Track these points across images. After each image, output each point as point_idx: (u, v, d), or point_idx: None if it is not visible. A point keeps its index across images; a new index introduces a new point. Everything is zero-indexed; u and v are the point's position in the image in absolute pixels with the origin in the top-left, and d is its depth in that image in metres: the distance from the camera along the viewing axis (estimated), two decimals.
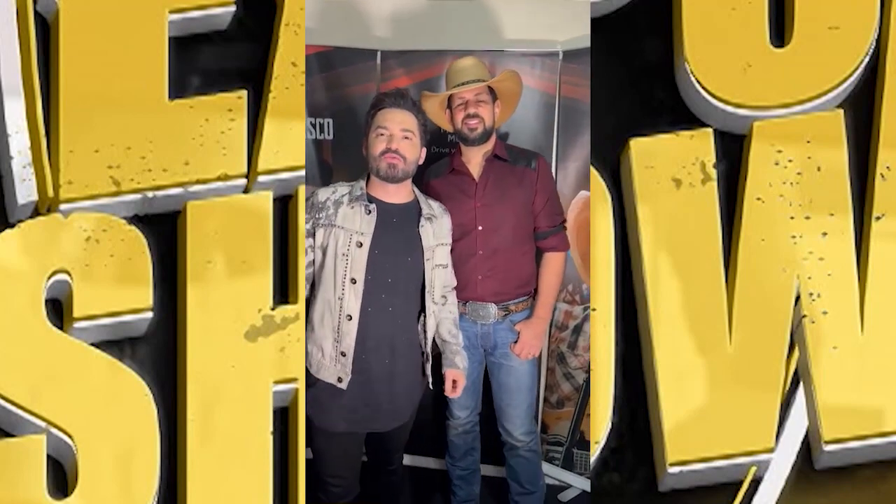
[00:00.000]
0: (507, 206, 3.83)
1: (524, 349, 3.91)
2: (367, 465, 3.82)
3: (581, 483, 4.97)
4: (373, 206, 3.30)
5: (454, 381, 3.58)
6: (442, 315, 3.61)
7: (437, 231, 3.50)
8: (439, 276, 3.52)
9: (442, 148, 4.67)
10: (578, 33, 4.39)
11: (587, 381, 4.81)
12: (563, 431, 4.98)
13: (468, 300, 3.89)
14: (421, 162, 3.45)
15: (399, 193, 3.41)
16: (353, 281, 3.22)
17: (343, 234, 3.24)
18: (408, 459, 5.03)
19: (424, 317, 3.52)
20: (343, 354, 3.24)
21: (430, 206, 3.56)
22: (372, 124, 3.35)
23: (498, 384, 4.09)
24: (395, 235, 3.35)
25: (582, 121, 4.45)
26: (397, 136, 3.28)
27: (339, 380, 3.27)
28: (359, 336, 3.26)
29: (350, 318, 3.23)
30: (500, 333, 3.94)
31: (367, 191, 3.38)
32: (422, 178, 4.03)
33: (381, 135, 3.29)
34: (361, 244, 3.24)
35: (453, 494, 4.48)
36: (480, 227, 3.81)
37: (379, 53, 4.74)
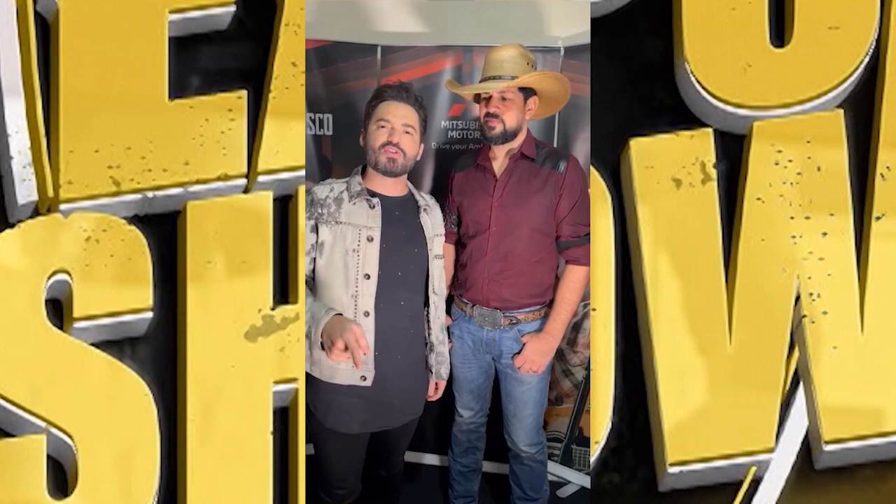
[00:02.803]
0: (526, 209, 3.64)
1: (525, 363, 3.75)
2: (370, 465, 3.82)
3: (579, 479, 5.00)
4: (376, 201, 3.32)
5: (437, 386, 3.75)
6: (437, 287, 3.60)
7: (433, 221, 3.54)
8: (437, 266, 3.54)
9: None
10: (579, 29, 4.40)
11: (586, 378, 4.83)
12: (561, 428, 4.99)
13: (475, 303, 3.82)
14: (418, 158, 3.46)
15: (396, 187, 3.44)
16: (367, 276, 3.23)
17: (351, 230, 3.24)
18: (408, 456, 5.06)
19: (428, 309, 3.55)
20: None
21: (424, 198, 3.60)
22: (372, 116, 3.36)
23: (505, 393, 4.01)
24: (400, 228, 3.37)
25: (582, 117, 4.45)
26: (399, 130, 3.29)
27: (363, 378, 3.26)
28: (375, 333, 3.26)
29: (367, 314, 3.23)
30: (507, 342, 3.82)
31: (365, 185, 3.38)
32: (449, 170, 4.07)
33: (383, 127, 3.30)
34: (372, 238, 3.25)
35: (451, 489, 4.49)
36: (494, 228, 3.68)
37: (379, 48, 4.72)
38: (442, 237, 3.61)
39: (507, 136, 3.62)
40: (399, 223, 3.38)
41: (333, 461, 3.53)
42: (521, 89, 3.61)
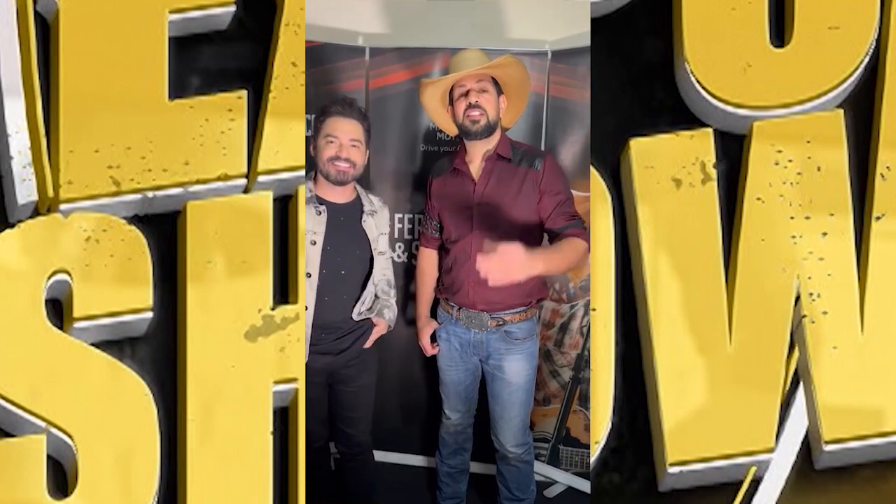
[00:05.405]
0: (507, 210, 3.64)
1: (484, 267, 2.75)
2: (340, 456, 4.17)
3: (566, 479, 5.02)
4: (322, 208, 3.63)
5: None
6: (378, 278, 3.90)
7: (378, 223, 3.83)
8: (380, 262, 3.83)
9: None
10: (567, 33, 4.41)
11: (573, 379, 4.84)
12: (548, 428, 5.00)
13: (462, 306, 3.84)
14: (366, 164, 3.79)
15: (344, 193, 3.76)
16: (308, 275, 3.51)
17: None
18: (396, 457, 5.09)
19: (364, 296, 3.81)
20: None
21: (372, 202, 3.87)
22: (321, 130, 3.66)
23: (492, 395, 4.02)
24: (344, 232, 3.69)
25: (570, 121, 4.48)
26: (346, 145, 3.61)
27: None
28: (315, 321, 3.63)
29: (306, 308, 3.48)
30: (494, 343, 3.83)
31: (316, 192, 3.67)
32: (426, 177, 4.12)
33: (331, 142, 3.61)
34: (315, 242, 3.55)
35: (439, 490, 4.50)
36: (476, 231, 3.69)
37: (367, 50, 4.74)
38: (386, 235, 3.89)
39: (491, 128, 3.66)
40: (342, 228, 3.71)
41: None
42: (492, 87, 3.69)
